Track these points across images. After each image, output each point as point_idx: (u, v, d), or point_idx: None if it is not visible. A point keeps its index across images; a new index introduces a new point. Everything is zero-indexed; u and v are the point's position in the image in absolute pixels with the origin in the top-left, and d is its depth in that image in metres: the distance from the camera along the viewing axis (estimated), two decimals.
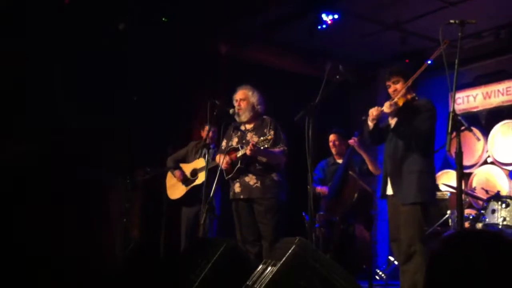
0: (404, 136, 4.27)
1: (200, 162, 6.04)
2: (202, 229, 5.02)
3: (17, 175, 0.94)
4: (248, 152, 4.83)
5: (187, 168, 6.17)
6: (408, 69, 4.48)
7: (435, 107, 4.34)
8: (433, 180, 4.41)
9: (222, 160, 5.01)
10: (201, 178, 5.90)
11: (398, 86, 4.34)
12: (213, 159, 5.53)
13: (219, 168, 5.01)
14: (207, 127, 6.05)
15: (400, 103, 4.23)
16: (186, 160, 6.24)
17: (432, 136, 4.33)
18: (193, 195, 5.95)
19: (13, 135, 1.05)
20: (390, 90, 4.38)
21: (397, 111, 4.28)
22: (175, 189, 6.15)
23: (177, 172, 6.10)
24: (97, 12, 6.24)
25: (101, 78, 6.36)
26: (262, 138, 4.83)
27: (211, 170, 5.30)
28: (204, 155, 6.04)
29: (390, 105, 4.22)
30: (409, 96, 4.32)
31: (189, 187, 5.99)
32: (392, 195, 4.39)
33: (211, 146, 6.01)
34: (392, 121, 4.36)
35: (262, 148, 4.83)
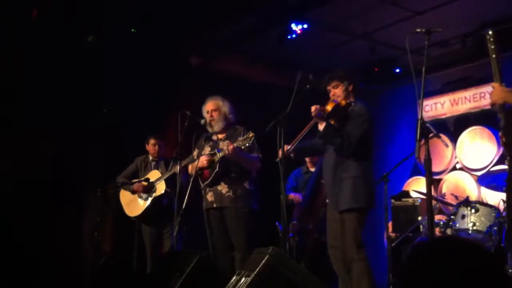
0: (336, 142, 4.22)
1: (154, 174, 6.06)
2: (175, 241, 4.98)
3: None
4: (230, 149, 4.79)
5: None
6: (348, 73, 4.46)
7: (369, 112, 4.29)
8: (369, 185, 4.28)
9: (196, 165, 5.00)
10: (159, 188, 5.93)
11: (337, 90, 4.37)
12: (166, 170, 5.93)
13: (191, 177, 4.99)
14: (152, 140, 6.15)
15: (329, 109, 4.22)
16: (136, 175, 6.24)
17: (366, 142, 4.25)
18: (155, 211, 5.93)
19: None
20: (330, 95, 4.41)
21: (328, 116, 4.22)
22: (134, 206, 6.07)
23: (135, 185, 6.05)
24: (66, 24, 6.20)
25: (72, 92, 6.32)
26: (241, 138, 4.82)
27: (170, 181, 5.73)
28: (154, 167, 6.19)
29: (316, 109, 4.18)
30: (343, 102, 4.31)
31: (150, 199, 5.96)
32: (329, 203, 4.40)
33: (160, 159, 6.22)
34: (321, 126, 4.25)
35: (243, 147, 4.81)
